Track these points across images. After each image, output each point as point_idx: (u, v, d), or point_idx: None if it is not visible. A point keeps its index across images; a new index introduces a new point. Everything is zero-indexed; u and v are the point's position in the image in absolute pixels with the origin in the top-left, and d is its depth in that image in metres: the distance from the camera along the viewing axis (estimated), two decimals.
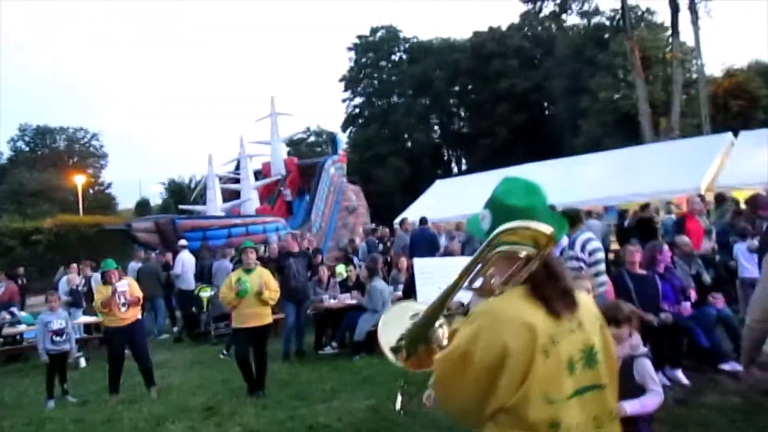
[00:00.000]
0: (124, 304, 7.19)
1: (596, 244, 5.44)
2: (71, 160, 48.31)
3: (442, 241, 12.65)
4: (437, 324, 1.83)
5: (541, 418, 1.56)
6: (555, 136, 37.96)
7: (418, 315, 1.87)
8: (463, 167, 47.05)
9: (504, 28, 43.76)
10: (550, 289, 1.63)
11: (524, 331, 1.57)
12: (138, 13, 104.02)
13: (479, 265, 1.65)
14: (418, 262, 8.37)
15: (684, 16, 27.61)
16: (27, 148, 49.31)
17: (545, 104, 43.66)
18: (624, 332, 3.50)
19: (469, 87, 44.85)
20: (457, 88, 46.17)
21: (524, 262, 1.61)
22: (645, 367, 3.46)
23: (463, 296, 1.79)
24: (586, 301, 1.75)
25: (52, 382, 7.65)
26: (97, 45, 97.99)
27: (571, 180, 16.63)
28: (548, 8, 41.03)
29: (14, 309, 11.35)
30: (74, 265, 13.33)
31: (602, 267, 5.38)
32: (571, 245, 5.46)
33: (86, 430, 6.27)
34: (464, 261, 1.73)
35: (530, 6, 40.98)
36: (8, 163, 46.85)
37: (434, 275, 7.68)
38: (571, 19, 41.83)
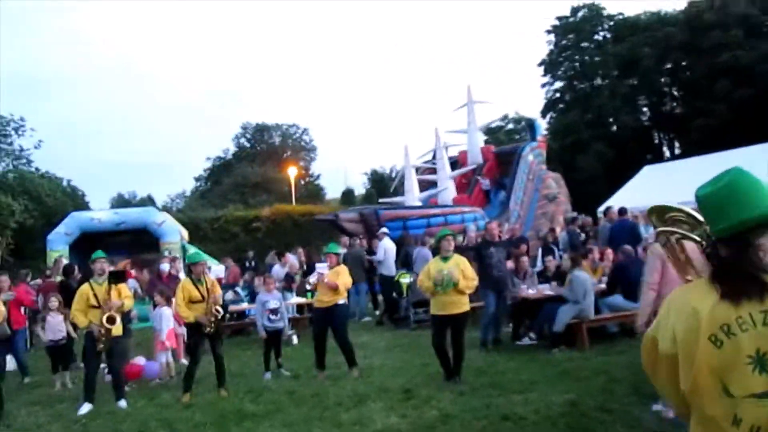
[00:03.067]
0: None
1: None
2: (285, 154, 52.53)
3: (651, 230, 11.75)
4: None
5: (720, 413, 1.51)
6: None
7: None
8: (676, 151, 43.46)
9: None
10: (728, 274, 1.54)
11: (688, 316, 1.56)
12: (340, 13, 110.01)
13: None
14: None
15: None
16: (248, 145, 54.60)
17: None
18: None
19: (683, 63, 41.08)
20: (668, 66, 42.54)
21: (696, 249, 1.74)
22: None
23: None
24: None
25: (269, 357, 8.37)
26: (306, 47, 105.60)
27: None
28: None
29: (237, 288, 12.60)
30: (288, 255, 14.41)
31: None
32: None
33: (297, 401, 6.78)
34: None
35: None
36: (233, 158, 52.31)
37: None
38: None
